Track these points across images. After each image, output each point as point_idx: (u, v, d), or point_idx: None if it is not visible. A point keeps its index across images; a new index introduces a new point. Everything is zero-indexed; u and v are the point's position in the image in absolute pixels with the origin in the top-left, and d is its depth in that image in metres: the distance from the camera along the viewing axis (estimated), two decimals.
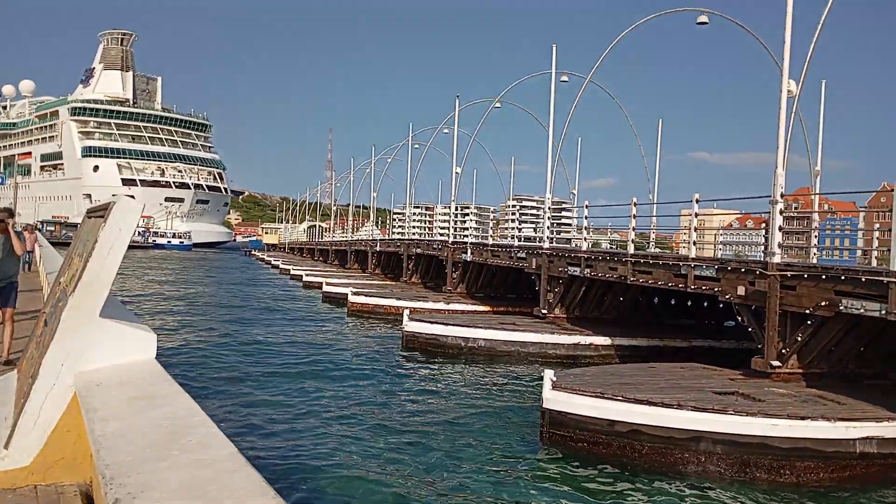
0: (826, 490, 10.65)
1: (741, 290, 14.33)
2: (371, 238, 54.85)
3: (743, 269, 14.42)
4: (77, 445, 4.48)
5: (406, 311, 21.55)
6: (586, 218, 21.01)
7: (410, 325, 20.86)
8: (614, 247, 30.22)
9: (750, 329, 14.40)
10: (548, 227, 23.32)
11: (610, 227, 33.45)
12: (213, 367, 17.04)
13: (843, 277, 12.15)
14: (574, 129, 26.25)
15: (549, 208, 23.48)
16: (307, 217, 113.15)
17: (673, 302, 24.49)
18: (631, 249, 18.46)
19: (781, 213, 13.63)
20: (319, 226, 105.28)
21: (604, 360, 20.40)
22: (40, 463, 4.44)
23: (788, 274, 13.22)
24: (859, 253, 34.48)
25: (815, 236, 22.81)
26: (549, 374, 12.25)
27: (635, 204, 18.87)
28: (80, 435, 4.43)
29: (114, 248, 4.60)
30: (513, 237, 38.20)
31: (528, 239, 37.68)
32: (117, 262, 4.62)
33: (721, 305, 25.28)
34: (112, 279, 4.59)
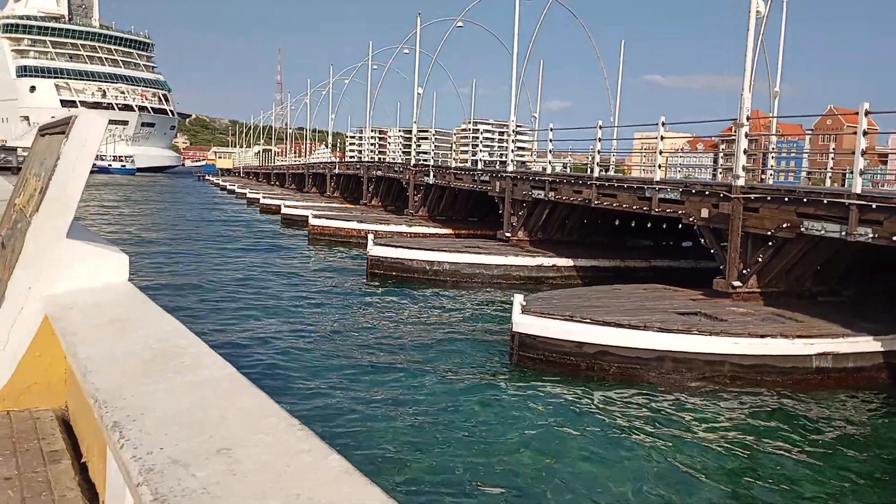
0: (784, 399, 11.10)
1: (705, 213, 14.50)
2: (329, 161, 53.88)
3: (707, 192, 14.55)
4: (50, 370, 4.29)
5: (370, 236, 21.34)
6: (551, 141, 20.85)
7: (375, 250, 20.70)
8: (568, 170, 30.25)
9: (712, 251, 14.65)
10: (512, 151, 23.10)
11: (570, 151, 33.37)
12: (180, 296, 16.70)
13: (805, 200, 12.35)
14: (535, 50, 25.91)
15: (513, 131, 23.21)
16: (261, 140, 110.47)
17: (633, 224, 24.78)
18: (596, 173, 18.44)
19: (747, 135, 13.67)
20: (271, 150, 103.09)
21: (567, 282, 20.68)
22: (11, 389, 4.25)
23: (752, 197, 13.38)
24: (803, 175, 35.31)
25: (773, 157, 23.11)
26: (518, 299, 12.32)
27: (600, 127, 18.75)
28: (52, 359, 4.23)
29: (79, 163, 4.30)
30: (469, 161, 37.94)
31: (484, 162, 37.46)
32: (83, 179, 4.32)
33: (680, 227, 25.82)
34: (78, 197, 4.30)
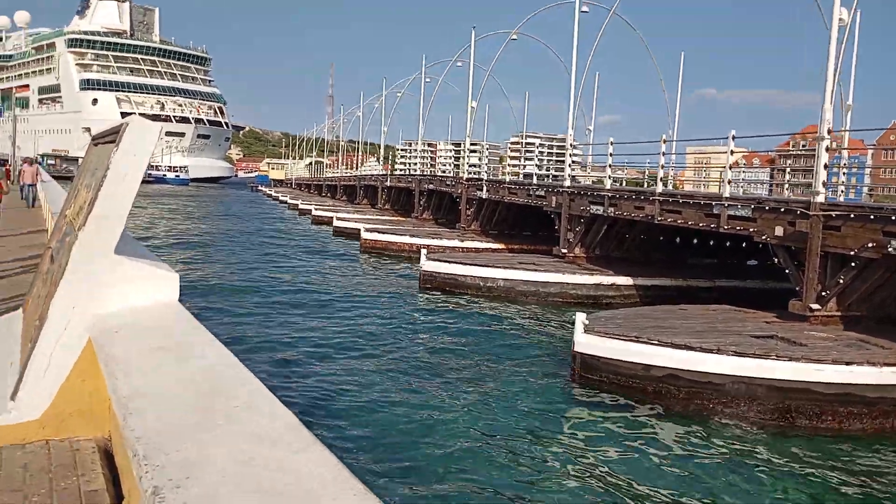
0: (868, 437, 10.23)
1: (779, 231, 13.66)
2: (381, 173, 53.98)
3: (782, 209, 13.70)
4: (94, 396, 3.92)
5: (423, 251, 20.97)
6: (611, 156, 20.15)
7: (428, 265, 20.32)
8: (624, 184, 29.37)
9: (787, 271, 13.78)
10: (569, 165, 22.49)
11: (625, 165, 32.50)
12: (231, 307, 16.58)
13: (893, 218, 11.46)
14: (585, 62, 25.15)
15: (571, 145, 22.60)
16: (312, 152, 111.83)
17: (695, 241, 23.86)
18: (659, 188, 17.70)
19: (827, 149, 12.83)
20: (322, 162, 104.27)
21: (626, 301, 19.91)
22: (52, 416, 3.90)
23: (833, 214, 12.52)
24: (865, 191, 33.74)
25: (844, 173, 21.92)
26: (580, 318, 11.74)
27: (665, 141, 18.02)
28: (96, 385, 3.87)
29: (129, 174, 3.94)
30: (516, 174, 37.36)
31: (528, 176, 36.74)
32: (133, 190, 3.97)
33: (744, 245, 24.77)
34: (128, 210, 3.95)
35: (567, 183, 22.35)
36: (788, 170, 30.82)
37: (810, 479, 8.80)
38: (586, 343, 11.65)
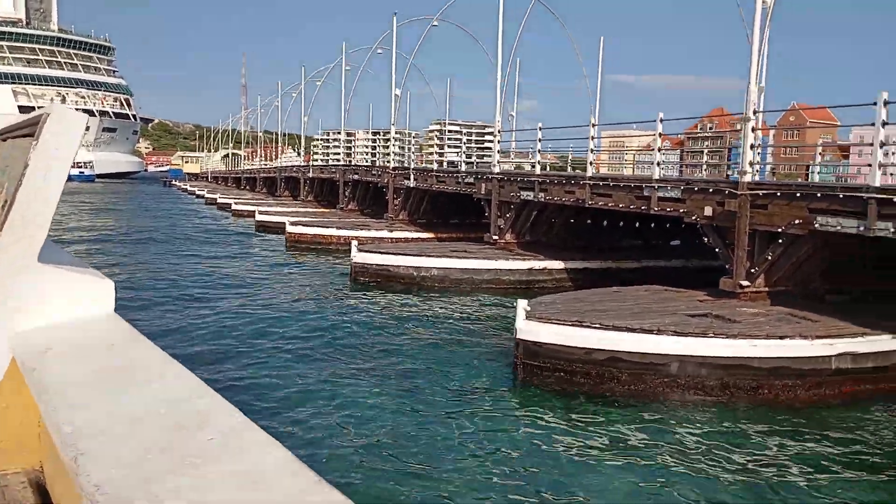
0: (802, 407, 10.55)
1: (708, 211, 13.95)
2: (303, 164, 52.80)
3: (711, 189, 14.00)
4: (22, 425, 3.43)
5: (354, 242, 20.51)
6: (539, 141, 20.18)
7: (359, 256, 19.89)
8: (547, 169, 29.62)
9: (717, 249, 14.10)
10: (497, 152, 22.43)
11: (548, 151, 32.78)
12: (155, 307, 15.70)
13: (818, 195, 11.85)
14: (510, 49, 25.07)
15: (499, 131, 22.53)
16: (228, 144, 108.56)
17: (621, 224, 24.27)
18: (590, 172, 17.84)
19: (753, 130, 13.14)
20: (237, 154, 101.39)
21: (558, 285, 20.04)
22: None
23: (760, 193, 12.85)
24: (768, 169, 35.36)
25: (758, 154, 22.67)
26: (522, 304, 11.64)
27: (594, 125, 18.16)
28: (23, 412, 3.38)
29: (52, 173, 3.43)
30: (438, 163, 37.21)
31: (451, 164, 36.69)
32: (58, 192, 3.45)
33: (668, 226, 25.40)
34: (52, 213, 3.44)
35: (496, 169, 22.29)
36: (706, 151, 31.74)
37: (751, 451, 8.98)
38: (528, 329, 11.55)
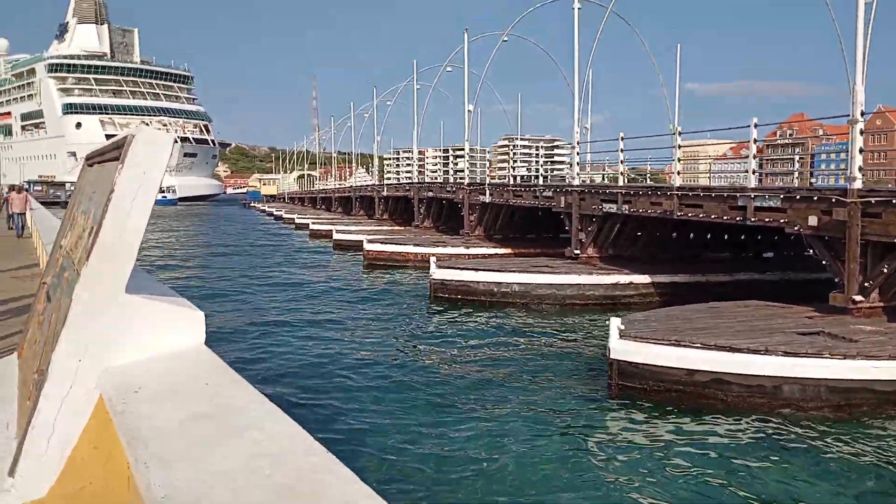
0: None
1: (813, 221, 12.96)
2: (377, 183, 53.26)
3: (815, 198, 13.02)
4: (108, 468, 3.13)
5: (433, 259, 20.23)
6: (622, 151, 19.46)
7: (438, 273, 19.58)
8: (622, 181, 28.51)
9: (824, 262, 13.08)
10: (577, 164, 21.80)
11: (621, 161, 31.50)
12: (238, 343, 15.66)
13: None
14: (583, 60, 24.14)
15: (577, 143, 21.91)
16: (303, 165, 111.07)
17: (709, 236, 23.19)
18: (677, 182, 17.01)
19: (862, 133, 12.16)
20: (310, 175, 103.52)
21: (645, 300, 19.23)
22: (59, 495, 3.13)
23: (872, 200, 11.83)
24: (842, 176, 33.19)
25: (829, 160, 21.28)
26: (615, 322, 11.01)
27: (679, 133, 17.35)
28: (111, 453, 3.08)
29: (139, 196, 3.14)
30: (505, 177, 36.62)
31: (523, 178, 36.01)
32: (146, 216, 3.17)
33: (759, 237, 24.11)
34: (139, 240, 3.16)
35: (576, 182, 21.65)
36: (798, 157, 30.16)
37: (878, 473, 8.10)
38: (623, 349, 10.92)
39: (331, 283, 23.99)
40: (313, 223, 48.61)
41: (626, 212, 18.91)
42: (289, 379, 11.84)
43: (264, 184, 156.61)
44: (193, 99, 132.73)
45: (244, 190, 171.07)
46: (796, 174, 24.14)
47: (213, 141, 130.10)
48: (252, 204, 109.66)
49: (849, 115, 12.10)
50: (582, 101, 22.45)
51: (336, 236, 37.25)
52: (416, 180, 42.48)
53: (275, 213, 75.00)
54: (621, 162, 19.58)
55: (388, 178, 58.47)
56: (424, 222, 38.85)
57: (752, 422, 9.83)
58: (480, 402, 10.99)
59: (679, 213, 16.65)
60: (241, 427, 2.22)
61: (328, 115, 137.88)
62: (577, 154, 21.85)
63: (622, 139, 19.39)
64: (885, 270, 11.90)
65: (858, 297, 12.21)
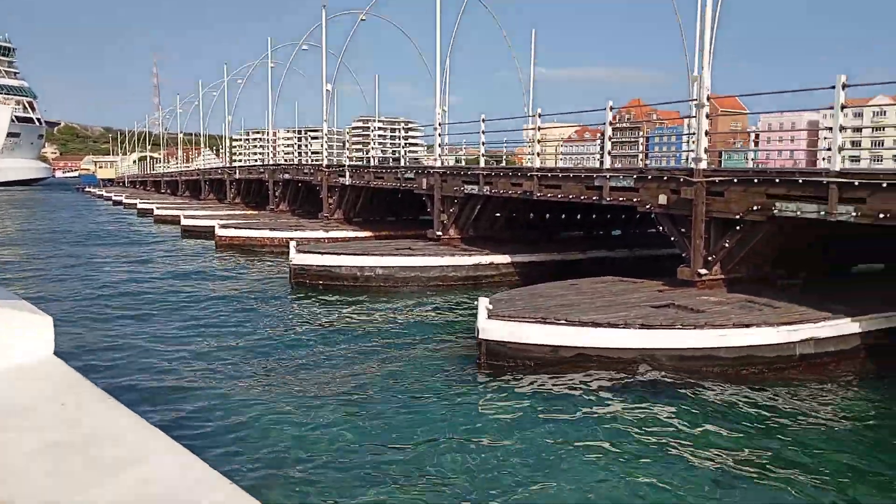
0: (770, 394, 10.37)
1: (663, 199, 13.73)
2: (229, 166, 50.86)
3: (665, 178, 13.78)
4: None
5: (293, 243, 19.52)
6: (483, 133, 19.66)
7: (298, 258, 18.92)
8: (464, 163, 28.94)
9: (673, 238, 13.91)
10: (439, 146, 21.82)
11: (464, 144, 31.82)
12: (80, 340, 14.22)
13: (777, 181, 11.74)
14: (430, 41, 23.99)
15: (440, 124, 21.91)
16: (147, 146, 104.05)
17: (563, 216, 24.11)
18: (537, 163, 17.44)
19: (708, 116, 12.97)
20: (153, 157, 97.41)
21: (505, 279, 19.67)
22: None
23: (716, 180, 12.69)
24: (684, 157, 36.15)
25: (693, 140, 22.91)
26: (483, 303, 11.08)
27: (539, 115, 17.78)
28: None
29: None
30: (362, 159, 36.31)
31: (380, 161, 35.74)
32: None
33: (609, 216, 25.41)
34: None
35: (438, 164, 21.68)
36: (642, 140, 32.06)
37: (720, 440, 8.72)
38: (491, 328, 11.03)
39: (181, 272, 22.53)
40: (158, 208, 45.69)
41: (488, 193, 19.18)
42: (145, 384, 10.88)
43: (100, 166, 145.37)
44: (15, 73, 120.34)
45: (76, 173, 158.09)
46: (640, 156, 25.56)
47: (38, 119, 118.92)
48: (87, 188, 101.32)
49: (694, 100, 12.85)
50: (443, 83, 22.44)
51: (184, 222, 35.18)
52: (270, 162, 40.82)
53: (114, 197, 69.70)
54: (482, 144, 19.79)
55: (237, 161, 55.91)
56: (280, 206, 37.62)
57: (614, 395, 10.23)
58: (349, 386, 10.69)
59: (539, 194, 17.09)
60: (116, 460, 1.81)
61: (173, 93, 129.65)
62: (440, 136, 21.86)
63: (483, 121, 19.60)
64: (727, 245, 12.82)
65: (703, 271, 13.08)
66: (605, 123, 15.08)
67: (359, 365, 11.83)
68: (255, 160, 53.74)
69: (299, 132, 67.08)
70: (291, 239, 23.74)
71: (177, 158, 79.24)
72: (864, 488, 7.48)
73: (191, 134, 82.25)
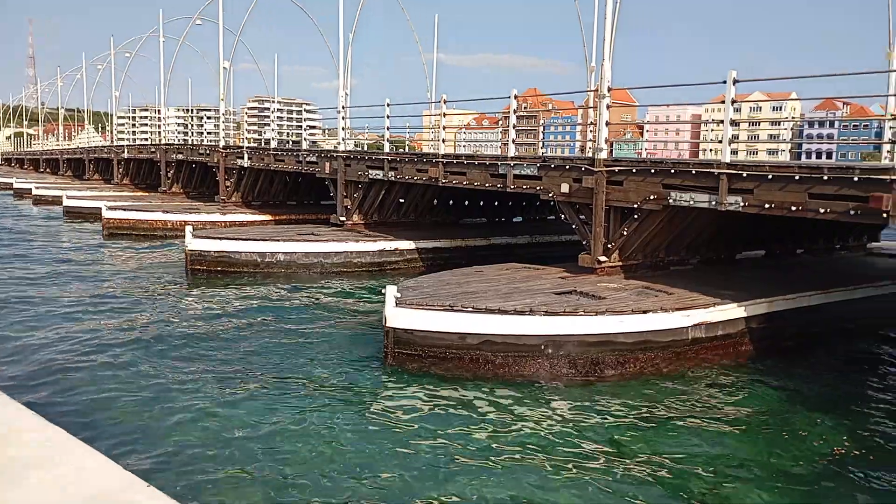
0: (664, 377, 10.86)
1: (565, 188, 14.04)
2: (117, 144, 48.10)
3: (567, 167, 14.09)
4: None
5: (189, 228, 18.68)
6: (388, 118, 19.43)
7: (195, 243, 18.14)
8: (365, 148, 28.67)
9: (574, 226, 14.26)
10: (342, 129, 21.42)
11: (366, 129, 31.39)
12: None
13: (672, 171, 12.23)
14: (331, 21, 23.33)
15: (343, 107, 21.50)
16: (18, 123, 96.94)
17: (467, 203, 24.32)
18: (442, 150, 17.43)
19: (609, 107, 13.33)
20: (29, 133, 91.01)
21: (410, 265, 19.67)
22: None
23: (616, 169, 13.08)
24: (577, 147, 37.37)
25: (593, 132, 23.58)
26: (391, 290, 10.98)
27: (445, 101, 17.74)
28: None
29: None
30: (261, 141, 35.36)
31: (268, 142, 34.84)
32: None
33: (510, 203, 25.84)
34: None
35: (342, 147, 21.30)
36: (541, 129, 32.67)
37: (619, 424, 9.07)
38: (398, 316, 10.95)
39: (65, 258, 21.15)
40: (37, 188, 42.70)
41: (393, 178, 19.03)
42: (32, 380, 10.13)
43: None
44: None
45: None
46: (540, 144, 26.08)
47: None
48: None
49: (594, 90, 13.18)
50: (346, 66, 22.01)
51: (67, 202, 33.05)
52: (162, 141, 38.87)
53: None
54: (387, 129, 19.58)
55: (122, 139, 52.98)
56: (173, 188, 35.99)
57: (516, 380, 10.43)
58: (251, 377, 10.38)
59: (445, 181, 17.11)
60: (19, 466, 1.62)
61: (53, 64, 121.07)
62: (343, 119, 21.46)
63: (388, 105, 19.39)
64: (625, 233, 13.28)
65: (603, 258, 13.50)
66: (509, 111, 15.23)
67: (260, 356, 11.49)
68: (143, 139, 51.06)
69: (189, 111, 64.35)
70: (187, 222, 22.79)
71: (57, 135, 74.27)
72: (745, 473, 7.94)
73: (73, 110, 77.18)
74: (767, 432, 9.00)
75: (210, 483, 7.12)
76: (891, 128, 8.85)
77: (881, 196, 9.27)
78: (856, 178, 9.66)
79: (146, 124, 65.32)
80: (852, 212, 9.75)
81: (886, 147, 10.59)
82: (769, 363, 11.75)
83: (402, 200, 21.95)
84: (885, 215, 9.34)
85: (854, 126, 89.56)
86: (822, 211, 10.10)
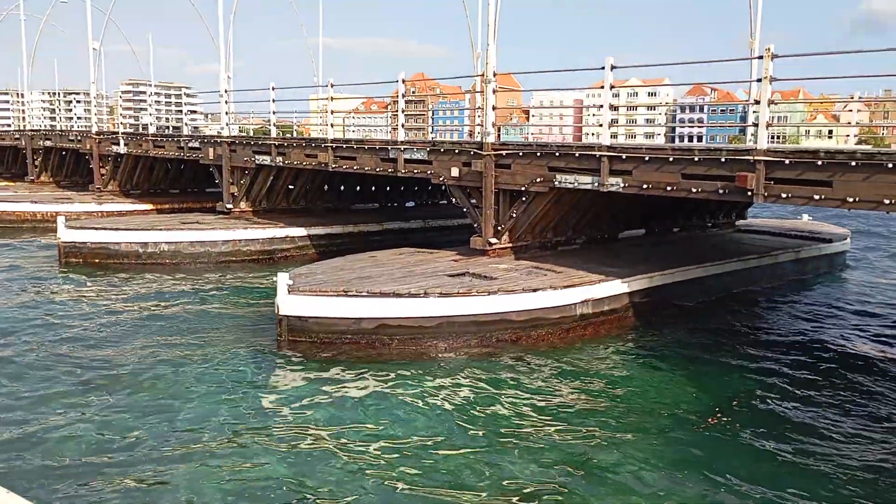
0: (555, 352, 11.28)
1: (455, 172, 14.22)
2: None
3: (457, 151, 14.27)
4: None
5: (61, 218, 17.51)
6: (273, 101, 18.92)
7: (69, 234, 17.06)
8: (251, 133, 27.99)
9: (465, 209, 14.49)
10: (226, 113, 20.67)
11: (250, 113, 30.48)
12: None
13: (557, 154, 12.64)
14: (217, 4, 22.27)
15: (226, 91, 20.74)
16: None
17: (358, 188, 24.15)
18: (331, 134, 17.20)
19: (494, 91, 13.59)
20: None
21: (302, 252, 19.36)
22: None
23: (504, 153, 13.38)
24: (466, 131, 38.14)
25: (480, 116, 23.94)
26: (283, 278, 10.81)
27: (332, 85, 17.47)
28: None
29: None
30: (131, 126, 33.71)
31: (145, 127, 33.35)
32: None
33: (402, 188, 25.88)
34: None
35: (226, 133, 20.58)
36: (430, 114, 32.82)
37: (514, 396, 9.40)
38: (291, 304, 10.80)
39: None
40: None
41: (281, 164, 18.61)
42: None
43: None
44: None
45: None
46: (430, 128, 26.27)
47: None
48: None
49: (480, 75, 13.41)
50: (228, 48, 21.23)
51: None
52: (26, 127, 36.11)
53: None
54: (273, 113, 19.09)
55: None
56: (42, 177, 33.61)
57: (413, 362, 10.54)
58: (140, 374, 9.94)
59: (335, 166, 16.91)
60: None
61: None
62: (227, 103, 20.72)
63: (273, 89, 18.89)
64: (514, 215, 13.63)
65: (494, 240, 13.81)
66: (397, 96, 15.22)
67: (144, 350, 11.02)
68: (4, 126, 47.38)
69: (56, 94, 60.20)
70: (59, 213, 21.34)
71: None
72: (619, 435, 8.43)
73: None
74: (643, 398, 9.55)
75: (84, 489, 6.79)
76: (754, 112, 9.58)
77: (746, 175, 9.99)
78: (723, 159, 10.36)
79: (6, 108, 60.57)
80: (721, 191, 10.45)
81: (750, 130, 11.42)
82: (651, 334, 12.44)
83: (291, 187, 21.51)
84: (749, 193, 10.07)
85: (721, 111, 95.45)
86: (694, 190, 10.76)
